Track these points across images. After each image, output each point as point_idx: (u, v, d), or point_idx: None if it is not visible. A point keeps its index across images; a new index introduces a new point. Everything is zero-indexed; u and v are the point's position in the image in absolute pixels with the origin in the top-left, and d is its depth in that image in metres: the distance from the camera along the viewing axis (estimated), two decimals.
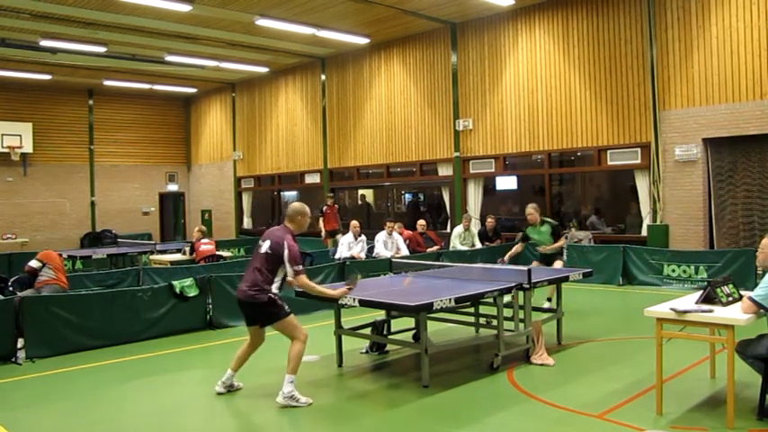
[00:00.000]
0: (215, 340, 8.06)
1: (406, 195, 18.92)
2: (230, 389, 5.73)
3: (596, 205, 14.76)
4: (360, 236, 12.28)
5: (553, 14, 13.64)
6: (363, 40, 16.16)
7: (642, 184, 12.52)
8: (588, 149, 13.28)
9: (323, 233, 15.12)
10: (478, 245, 13.13)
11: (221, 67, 18.97)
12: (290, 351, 5.39)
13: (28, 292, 7.96)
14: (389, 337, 6.90)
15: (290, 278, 5.39)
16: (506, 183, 15.53)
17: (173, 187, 24.72)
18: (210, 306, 8.70)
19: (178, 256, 12.85)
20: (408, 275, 7.75)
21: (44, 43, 15.44)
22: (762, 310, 4.56)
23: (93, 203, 22.62)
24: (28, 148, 20.56)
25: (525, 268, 6.61)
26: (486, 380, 5.96)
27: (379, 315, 7.01)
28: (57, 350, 7.27)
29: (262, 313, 5.43)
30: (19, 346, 7.09)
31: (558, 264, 9.07)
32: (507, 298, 6.45)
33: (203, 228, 12.99)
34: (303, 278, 5.39)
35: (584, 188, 15.52)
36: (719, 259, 10.59)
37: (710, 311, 4.67)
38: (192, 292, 8.47)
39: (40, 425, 5.17)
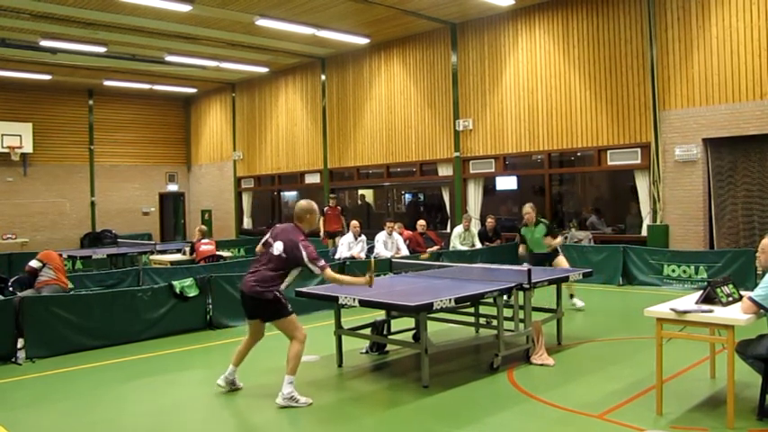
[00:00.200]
0: (215, 340, 8.06)
1: (406, 195, 18.92)
2: (233, 386, 5.72)
3: (596, 205, 14.75)
4: (360, 236, 12.28)
5: (553, 14, 13.64)
6: (363, 40, 16.16)
7: (642, 184, 12.52)
8: (588, 149, 13.28)
9: (321, 233, 15.14)
10: (478, 245, 13.13)
11: (221, 68, 18.97)
12: (289, 352, 5.38)
13: (28, 293, 7.97)
14: (389, 337, 6.89)
15: (317, 273, 5.42)
16: (506, 183, 15.53)
17: (173, 187, 24.72)
18: (210, 306, 8.70)
19: (178, 257, 12.85)
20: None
21: (44, 43, 15.44)
22: (762, 311, 4.56)
23: (93, 203, 22.62)
24: (28, 148, 20.56)
25: (525, 268, 6.61)
26: (486, 380, 5.96)
27: (379, 315, 7.01)
28: (57, 350, 7.27)
29: (265, 310, 5.43)
30: (19, 346, 7.09)
31: (562, 261, 9.15)
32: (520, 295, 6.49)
33: (203, 228, 13.00)
34: (329, 272, 5.37)
35: (584, 188, 15.51)
36: (719, 259, 10.59)
37: (710, 311, 4.67)
38: (192, 293, 8.47)
39: (40, 425, 5.17)
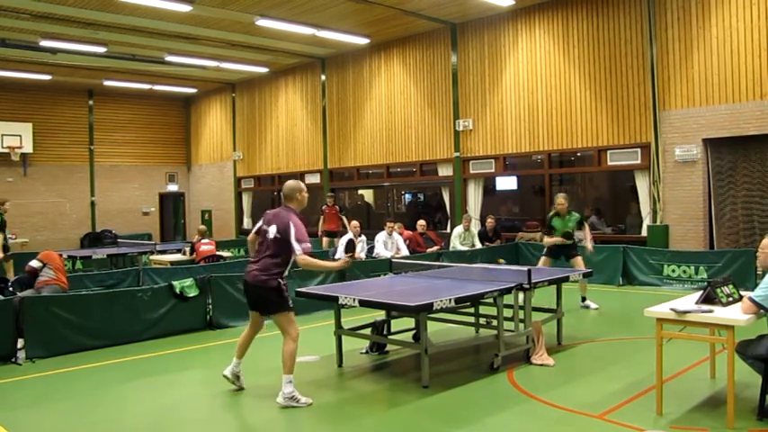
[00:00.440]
0: (215, 340, 8.06)
1: (406, 195, 18.92)
2: (237, 378, 5.71)
3: (596, 205, 14.75)
4: (360, 236, 12.27)
5: (553, 14, 13.64)
6: (363, 41, 16.16)
7: (642, 184, 12.52)
8: (588, 150, 13.28)
9: (320, 232, 15.16)
10: (478, 245, 13.14)
11: (221, 68, 18.97)
12: (283, 352, 5.33)
13: (28, 293, 7.97)
14: (389, 337, 6.89)
15: (297, 255, 5.27)
16: (506, 183, 15.53)
17: (173, 187, 24.72)
18: (210, 306, 8.69)
19: (178, 257, 12.86)
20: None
21: (44, 43, 15.44)
22: (762, 311, 4.56)
23: (93, 204, 22.63)
24: (28, 148, 20.57)
25: (525, 268, 6.61)
26: (486, 380, 5.96)
27: (379, 315, 7.01)
28: (57, 350, 7.26)
29: (267, 300, 5.37)
30: (19, 346, 7.09)
31: (579, 262, 9.19)
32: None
33: (202, 228, 13.00)
34: (306, 256, 5.28)
35: (585, 188, 15.51)
36: (719, 259, 10.59)
37: (710, 312, 4.68)
38: (192, 293, 8.47)
39: (41, 425, 5.17)
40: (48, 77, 19.65)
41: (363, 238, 12.39)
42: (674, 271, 11.11)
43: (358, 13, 14.29)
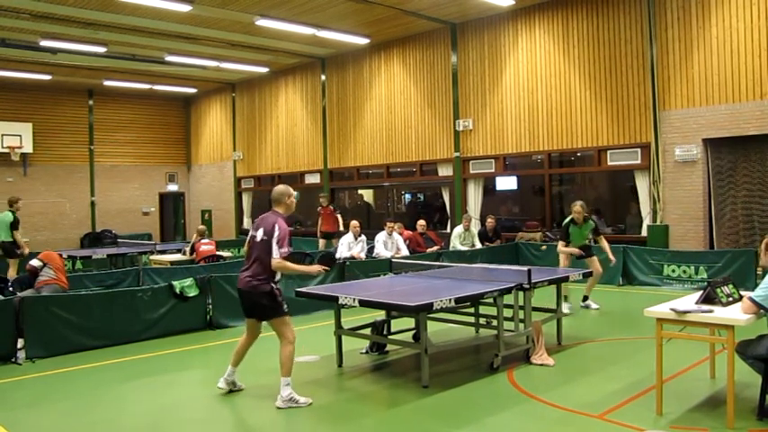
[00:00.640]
0: (215, 340, 8.06)
1: (406, 195, 18.92)
2: (233, 387, 5.71)
3: (596, 205, 14.74)
4: (360, 236, 12.27)
5: (553, 14, 13.64)
6: (363, 41, 16.16)
7: (642, 184, 12.52)
8: (588, 150, 13.28)
9: (318, 234, 15.18)
10: (478, 245, 13.13)
11: (221, 68, 18.97)
12: (281, 354, 5.34)
13: (28, 292, 7.97)
14: (389, 337, 6.89)
15: (273, 258, 5.25)
16: (506, 183, 15.53)
17: (173, 187, 24.72)
18: (210, 306, 8.70)
19: (178, 257, 12.85)
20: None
21: (44, 43, 15.44)
22: (762, 311, 4.56)
23: (93, 203, 22.62)
24: (28, 148, 20.56)
25: (525, 268, 6.61)
26: (486, 380, 5.96)
27: (379, 315, 7.01)
28: (57, 350, 7.26)
29: (262, 305, 5.36)
30: (19, 346, 7.09)
31: (596, 263, 9.20)
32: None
33: (201, 228, 13.00)
34: (282, 260, 5.25)
35: (585, 188, 15.51)
36: (719, 259, 10.59)
37: (710, 312, 4.67)
38: (192, 293, 8.47)
39: (40, 425, 5.17)
40: (48, 77, 19.65)
41: (363, 237, 12.38)
42: (674, 271, 11.11)
43: (358, 13, 14.29)
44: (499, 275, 6.99)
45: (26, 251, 12.25)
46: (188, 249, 12.66)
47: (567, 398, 5.32)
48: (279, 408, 5.26)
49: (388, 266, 8.76)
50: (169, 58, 17.58)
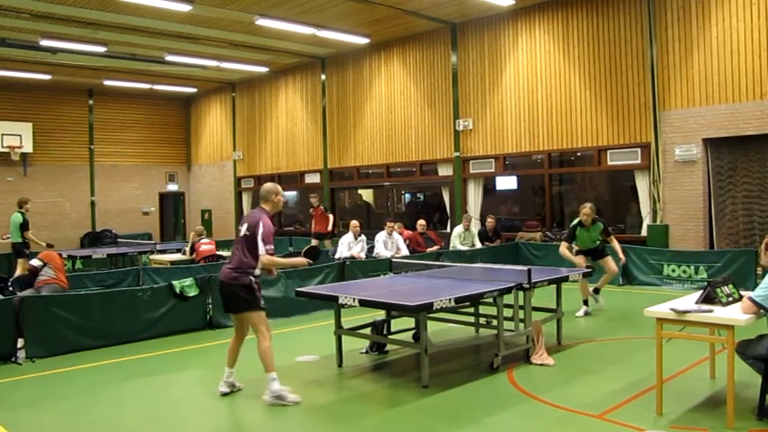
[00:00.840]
0: (214, 340, 8.05)
1: (406, 195, 18.92)
2: (233, 388, 5.72)
3: (596, 205, 14.68)
4: (360, 236, 12.27)
5: (553, 14, 13.64)
6: (363, 40, 16.16)
7: (642, 184, 12.52)
8: (588, 149, 13.28)
9: (312, 237, 15.18)
10: (478, 245, 13.14)
11: (221, 67, 18.97)
12: (258, 351, 5.37)
13: (27, 292, 7.97)
14: (389, 337, 6.90)
15: (260, 254, 5.34)
16: (506, 183, 15.53)
17: (173, 187, 24.72)
18: (210, 306, 8.69)
19: (178, 256, 12.85)
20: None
21: (44, 43, 15.44)
22: (762, 311, 4.55)
23: (93, 203, 22.62)
24: (28, 147, 20.56)
25: (525, 268, 6.61)
26: (486, 380, 5.96)
27: (379, 315, 7.01)
28: (56, 350, 7.27)
29: (238, 296, 5.41)
30: (19, 345, 7.09)
31: (610, 262, 9.11)
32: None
33: (199, 228, 13.00)
34: (269, 256, 5.35)
35: (585, 188, 15.51)
36: (719, 259, 10.59)
37: (710, 311, 4.67)
38: (192, 292, 8.47)
39: (40, 425, 5.17)
40: (48, 77, 19.65)
41: (363, 237, 12.39)
42: (674, 271, 11.11)
43: (358, 13, 14.29)
44: (499, 275, 6.98)
45: (27, 251, 12.31)
46: (188, 249, 12.66)
47: (567, 398, 5.32)
48: (266, 403, 5.29)
49: (388, 266, 8.76)
50: (169, 58, 17.58)
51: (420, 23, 15.23)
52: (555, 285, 7.20)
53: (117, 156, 23.23)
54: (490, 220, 13.70)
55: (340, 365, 6.53)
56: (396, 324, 7.17)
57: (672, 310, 4.75)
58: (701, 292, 4.99)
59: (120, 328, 7.83)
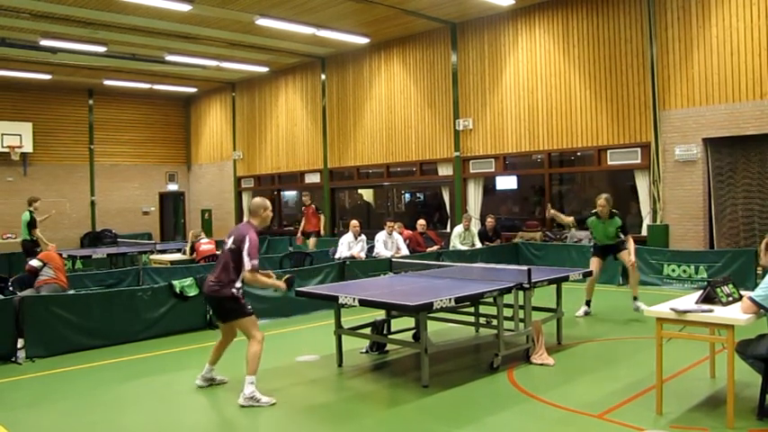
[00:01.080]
0: (214, 340, 7.96)
1: (406, 195, 18.92)
2: (211, 382, 5.87)
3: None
4: (360, 235, 12.26)
5: (553, 14, 13.64)
6: (363, 40, 16.16)
7: (642, 183, 12.52)
8: (588, 149, 13.28)
9: (299, 233, 15.16)
10: (478, 245, 13.14)
11: (221, 67, 18.97)
12: (247, 353, 5.43)
13: (27, 292, 7.97)
14: (389, 336, 6.90)
15: (245, 268, 5.37)
16: (506, 182, 15.54)
17: (173, 187, 24.72)
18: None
19: (178, 256, 12.85)
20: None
21: (44, 43, 15.44)
22: (762, 311, 4.56)
23: (93, 203, 22.62)
24: (28, 147, 20.56)
25: (525, 268, 6.60)
26: (486, 380, 5.96)
27: (379, 315, 7.00)
28: (56, 350, 7.27)
29: (223, 309, 5.54)
30: (19, 345, 7.09)
31: (627, 256, 8.66)
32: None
33: (195, 231, 12.99)
34: (254, 273, 5.37)
35: (585, 188, 15.51)
36: (719, 259, 10.59)
37: (710, 311, 4.67)
38: (192, 292, 8.47)
39: (40, 425, 5.17)
40: (48, 77, 19.64)
41: (363, 237, 12.39)
42: (674, 270, 11.10)
43: (358, 13, 14.29)
44: (499, 275, 6.98)
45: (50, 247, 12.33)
46: (188, 249, 12.66)
47: (567, 398, 5.32)
48: (241, 405, 5.32)
49: (388, 266, 8.75)
50: (169, 58, 17.57)
51: (420, 23, 15.23)
52: (555, 285, 7.20)
53: (117, 156, 23.22)
54: (490, 220, 13.70)
55: (340, 365, 6.53)
56: (396, 324, 7.17)
57: (672, 309, 4.75)
58: (701, 291, 4.99)
59: (120, 328, 7.83)
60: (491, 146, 14.79)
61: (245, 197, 22.23)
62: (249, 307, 5.54)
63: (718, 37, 11.32)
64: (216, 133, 23.53)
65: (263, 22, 14.18)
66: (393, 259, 9.08)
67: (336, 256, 12.12)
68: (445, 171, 15.82)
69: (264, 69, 19.78)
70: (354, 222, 12.48)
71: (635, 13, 12.38)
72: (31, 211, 12.71)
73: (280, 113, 20.52)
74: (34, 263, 8.54)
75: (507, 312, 6.57)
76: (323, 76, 18.83)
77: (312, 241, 14.55)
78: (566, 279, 7.29)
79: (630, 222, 13.28)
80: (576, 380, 5.90)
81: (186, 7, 13.08)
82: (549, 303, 7.39)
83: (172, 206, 25.23)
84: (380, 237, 12.19)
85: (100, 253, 13.98)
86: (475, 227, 13.94)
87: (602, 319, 8.83)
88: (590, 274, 8.18)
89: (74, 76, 19.89)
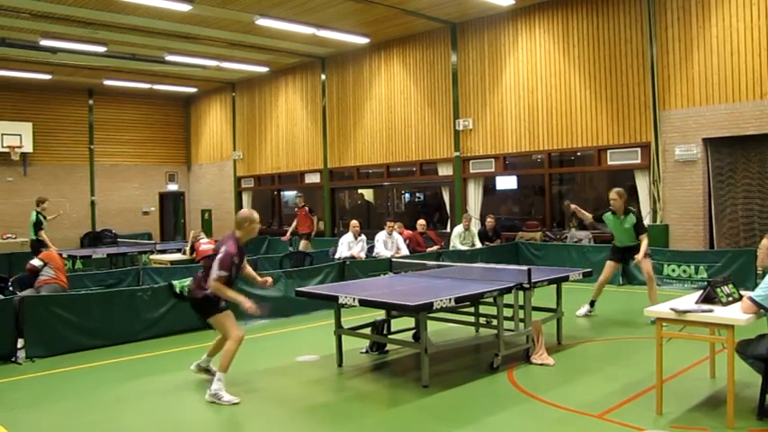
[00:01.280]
0: (214, 340, 8.03)
1: (406, 195, 18.92)
2: (205, 372, 6.03)
3: (596, 205, 14.69)
4: (360, 235, 12.26)
5: (553, 14, 13.64)
6: (363, 40, 16.16)
7: (642, 183, 12.52)
8: (588, 149, 13.28)
9: (287, 233, 15.14)
10: (478, 244, 13.14)
11: (221, 67, 18.97)
12: (223, 348, 5.65)
13: (27, 292, 7.97)
14: (389, 336, 6.90)
15: (211, 277, 5.46)
16: (506, 182, 15.53)
17: (173, 187, 24.71)
18: None
19: (178, 256, 12.85)
20: None
21: (44, 43, 15.44)
22: (762, 311, 4.55)
23: (93, 203, 22.62)
24: (28, 147, 20.55)
25: (525, 268, 6.60)
26: (486, 380, 5.96)
27: (379, 315, 7.00)
28: (56, 350, 7.27)
29: (199, 308, 5.75)
30: (19, 345, 7.09)
31: (644, 260, 8.32)
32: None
33: (194, 232, 12.98)
34: (217, 282, 5.43)
35: (585, 188, 15.51)
36: (719, 259, 10.59)
37: (710, 311, 4.67)
38: None
39: (40, 425, 5.17)
40: (48, 77, 19.64)
41: (363, 237, 12.39)
42: (674, 270, 11.10)
43: (358, 13, 14.29)
44: (499, 275, 6.98)
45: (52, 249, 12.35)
46: (188, 249, 12.66)
47: (567, 398, 5.32)
48: (207, 400, 5.43)
49: (388, 266, 8.76)
50: (169, 58, 17.57)
51: (420, 23, 15.23)
52: (555, 285, 7.20)
53: (117, 156, 23.22)
54: (490, 220, 13.70)
55: (340, 365, 6.53)
56: (396, 324, 7.17)
57: (672, 309, 4.75)
58: (701, 291, 4.99)
59: (120, 327, 7.83)
60: (491, 146, 14.79)
61: (245, 197, 22.23)
62: (223, 304, 5.65)
63: (718, 37, 11.32)
64: (216, 133, 23.53)
65: (263, 22, 14.18)
66: (393, 259, 9.08)
67: (336, 256, 12.12)
68: (445, 171, 15.82)
69: (264, 69, 19.78)
70: (354, 222, 12.48)
71: (635, 13, 12.38)
72: (38, 212, 12.70)
73: (280, 113, 20.52)
74: (35, 262, 8.55)
75: (507, 312, 6.57)
76: (323, 76, 18.83)
77: (303, 243, 14.52)
78: (566, 279, 7.29)
79: None
80: (575, 380, 5.90)
81: (186, 7, 13.08)
82: (549, 303, 7.39)
83: (172, 206, 25.23)
84: (380, 237, 12.19)
85: (100, 253, 13.99)
86: (475, 227, 13.94)
87: (602, 319, 8.83)
88: (590, 274, 8.16)
89: (74, 76, 19.88)
